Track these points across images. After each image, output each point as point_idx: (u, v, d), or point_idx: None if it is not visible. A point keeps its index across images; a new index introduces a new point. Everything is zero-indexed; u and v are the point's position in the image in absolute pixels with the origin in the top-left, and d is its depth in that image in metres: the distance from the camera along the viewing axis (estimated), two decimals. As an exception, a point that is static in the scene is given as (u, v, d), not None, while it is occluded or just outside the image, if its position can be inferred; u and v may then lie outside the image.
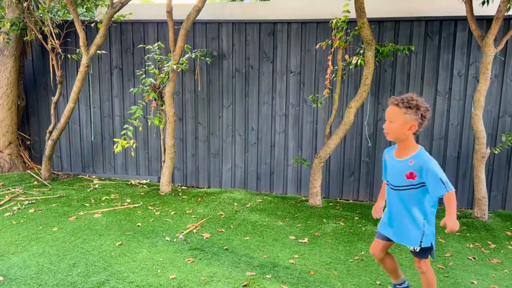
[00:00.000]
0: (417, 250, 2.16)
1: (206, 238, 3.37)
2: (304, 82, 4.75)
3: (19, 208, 3.90)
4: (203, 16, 4.60)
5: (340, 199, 4.82)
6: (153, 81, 4.54)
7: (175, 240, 3.30)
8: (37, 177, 4.98)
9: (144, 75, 4.71)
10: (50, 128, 4.96)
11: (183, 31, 4.23)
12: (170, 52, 4.49)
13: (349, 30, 4.28)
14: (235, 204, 4.35)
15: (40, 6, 4.96)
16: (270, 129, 4.90)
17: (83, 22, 4.90)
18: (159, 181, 5.02)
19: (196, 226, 3.60)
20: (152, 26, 5.03)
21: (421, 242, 2.13)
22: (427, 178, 2.06)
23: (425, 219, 2.14)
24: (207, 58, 4.80)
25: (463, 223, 3.93)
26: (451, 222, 2.00)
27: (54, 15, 4.89)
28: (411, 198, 2.14)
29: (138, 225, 3.59)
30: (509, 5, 3.67)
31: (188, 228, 3.56)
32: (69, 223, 3.58)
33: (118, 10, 4.49)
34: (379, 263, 2.43)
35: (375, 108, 4.65)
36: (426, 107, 2.09)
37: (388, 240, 2.31)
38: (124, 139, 4.09)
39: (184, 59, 4.57)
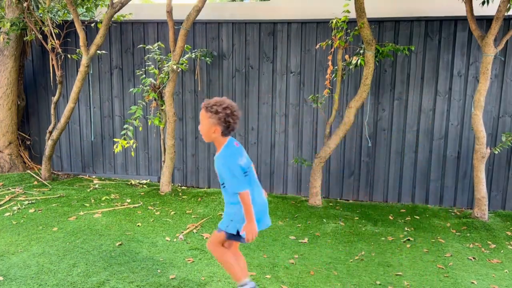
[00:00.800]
0: (221, 231, 2.28)
1: (206, 238, 3.37)
2: (304, 82, 4.75)
3: (19, 208, 3.90)
4: (203, 16, 4.60)
5: (340, 199, 4.82)
6: (153, 81, 4.54)
7: (175, 240, 3.30)
8: (37, 177, 4.98)
9: (144, 75, 4.71)
10: (50, 128, 4.96)
11: (183, 31, 4.23)
12: (170, 52, 4.49)
13: (349, 30, 4.28)
14: (235, 204, 4.34)
15: (40, 6, 4.96)
16: (270, 129, 4.90)
17: (83, 22, 4.90)
18: (159, 181, 5.02)
19: (196, 226, 3.61)
20: (152, 26, 5.03)
21: (227, 227, 2.26)
22: (222, 176, 2.21)
23: (234, 212, 2.24)
24: (207, 58, 4.80)
25: (463, 223, 3.93)
26: (247, 229, 2.15)
27: (54, 15, 4.89)
28: (226, 194, 2.29)
29: (138, 225, 3.59)
30: (509, 5, 3.67)
31: (188, 228, 3.56)
32: (69, 223, 3.58)
33: (118, 10, 4.49)
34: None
35: (375, 108, 4.65)
36: (226, 113, 2.16)
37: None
38: (124, 139, 4.09)
39: (184, 59, 4.57)
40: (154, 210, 4.02)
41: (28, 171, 5.23)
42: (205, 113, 2.19)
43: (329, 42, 4.22)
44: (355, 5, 3.78)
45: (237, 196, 2.18)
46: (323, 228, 3.71)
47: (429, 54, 4.46)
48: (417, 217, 4.13)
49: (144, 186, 4.94)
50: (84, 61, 4.62)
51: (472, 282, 2.75)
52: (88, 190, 4.62)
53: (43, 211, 3.87)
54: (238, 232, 2.23)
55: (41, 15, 4.84)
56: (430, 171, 4.62)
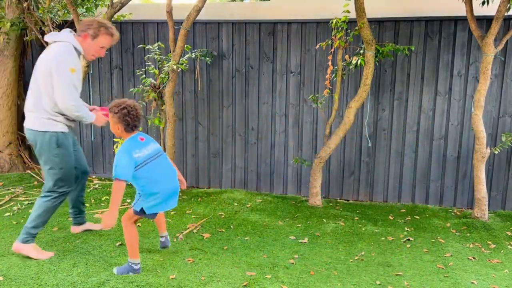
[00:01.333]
0: (133, 208, 2.67)
1: (206, 238, 3.37)
2: (304, 82, 4.75)
3: (19, 208, 3.90)
4: (203, 16, 4.60)
5: (340, 199, 4.82)
6: (153, 81, 4.55)
7: (175, 240, 3.30)
8: (37, 177, 4.98)
9: (144, 75, 4.72)
10: (50, 128, 4.95)
11: (183, 31, 4.23)
12: (170, 52, 4.49)
13: (349, 30, 4.28)
14: (235, 204, 4.35)
15: (40, 6, 4.96)
16: (270, 129, 4.90)
17: (83, 22, 4.90)
18: (159, 181, 5.02)
19: (196, 226, 3.60)
20: (152, 26, 5.03)
21: (134, 204, 2.67)
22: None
23: (140, 193, 2.66)
24: (207, 58, 4.80)
25: (463, 223, 3.93)
26: (106, 217, 2.48)
27: (54, 15, 4.89)
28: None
29: (138, 225, 3.59)
30: (509, 5, 3.67)
31: (188, 228, 3.56)
32: (69, 223, 3.58)
33: (118, 10, 4.49)
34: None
35: (375, 108, 4.65)
36: (123, 113, 2.55)
37: None
38: (124, 139, 4.09)
39: (184, 59, 4.58)
40: (154, 210, 4.01)
41: (28, 171, 5.23)
42: (109, 114, 2.62)
43: (329, 42, 4.22)
44: (355, 5, 3.78)
45: (140, 180, 2.60)
46: (323, 228, 3.71)
47: (429, 54, 4.46)
48: (417, 217, 4.13)
49: (144, 186, 4.93)
50: (84, 61, 4.62)
51: (472, 282, 2.75)
52: (88, 190, 4.61)
53: (43, 211, 3.87)
54: (142, 210, 2.62)
55: (41, 15, 4.84)
56: (430, 171, 4.62)
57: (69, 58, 2.77)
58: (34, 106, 2.83)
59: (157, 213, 2.75)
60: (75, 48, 2.83)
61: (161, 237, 3.04)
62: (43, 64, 2.82)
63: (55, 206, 2.94)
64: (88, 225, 3.39)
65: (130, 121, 2.59)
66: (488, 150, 3.97)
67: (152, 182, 2.62)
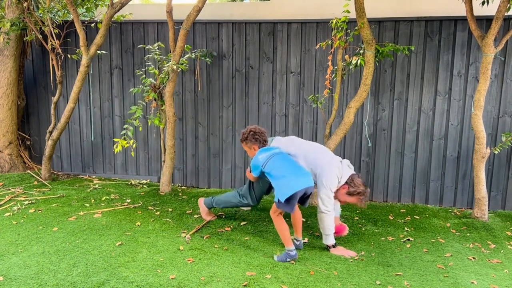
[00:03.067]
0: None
1: (206, 238, 3.37)
2: (304, 82, 4.76)
3: (19, 208, 3.90)
4: (203, 16, 4.61)
5: (340, 199, 4.82)
6: (153, 81, 4.54)
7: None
8: (37, 177, 4.98)
9: (144, 75, 4.72)
10: (50, 128, 4.96)
11: (183, 31, 4.23)
12: (170, 52, 4.49)
13: (349, 30, 4.28)
14: (235, 204, 4.35)
15: (40, 6, 4.96)
16: (270, 129, 4.90)
17: (83, 22, 4.91)
18: (159, 181, 5.03)
19: (203, 226, 3.60)
20: (152, 26, 5.03)
21: (275, 197, 2.99)
22: None
23: (274, 186, 3.05)
24: (207, 58, 4.80)
25: (463, 223, 3.93)
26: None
27: (54, 15, 4.90)
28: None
29: (138, 225, 3.59)
30: (509, 5, 3.67)
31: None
32: (69, 223, 3.58)
33: (118, 10, 4.49)
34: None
35: (375, 108, 4.65)
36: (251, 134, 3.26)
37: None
38: (124, 139, 4.09)
39: (184, 59, 4.58)
40: (154, 210, 4.02)
41: (28, 171, 5.23)
42: (242, 143, 3.33)
43: (329, 42, 4.22)
44: (355, 5, 3.78)
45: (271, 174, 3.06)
46: (323, 228, 3.71)
47: (429, 54, 4.46)
48: (417, 217, 4.13)
49: (144, 186, 4.94)
50: (84, 61, 4.62)
51: (472, 282, 2.75)
52: (88, 190, 4.62)
53: (43, 211, 3.87)
54: (279, 200, 2.94)
55: (41, 15, 4.85)
56: (430, 171, 4.63)
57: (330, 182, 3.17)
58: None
59: (294, 203, 2.93)
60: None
61: (296, 240, 3.23)
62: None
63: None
64: None
65: (259, 138, 3.26)
66: (488, 150, 3.97)
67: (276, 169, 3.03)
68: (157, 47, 4.61)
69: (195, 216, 3.91)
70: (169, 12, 4.29)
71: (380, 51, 3.97)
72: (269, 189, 3.55)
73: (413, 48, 4.05)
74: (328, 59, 4.32)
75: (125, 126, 4.13)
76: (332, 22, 4.01)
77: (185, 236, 3.36)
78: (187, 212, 4.02)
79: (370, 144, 4.69)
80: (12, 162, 5.19)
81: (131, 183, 5.04)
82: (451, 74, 4.46)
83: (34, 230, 3.40)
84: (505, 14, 3.72)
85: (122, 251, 3.03)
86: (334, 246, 3.21)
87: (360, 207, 3.47)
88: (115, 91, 5.23)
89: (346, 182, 3.18)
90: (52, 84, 5.32)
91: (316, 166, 3.19)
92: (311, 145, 3.39)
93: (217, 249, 3.15)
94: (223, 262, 2.92)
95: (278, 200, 2.92)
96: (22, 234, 3.32)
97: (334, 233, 3.24)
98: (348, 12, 3.87)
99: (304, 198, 3.00)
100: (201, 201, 3.85)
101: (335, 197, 3.24)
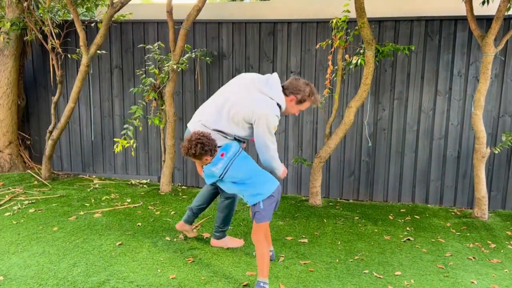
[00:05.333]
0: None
1: (206, 238, 3.37)
2: (304, 82, 4.75)
3: (19, 208, 3.91)
4: (203, 16, 4.60)
5: (340, 198, 4.82)
6: (153, 81, 4.54)
7: (175, 240, 3.30)
8: (37, 176, 4.99)
9: (144, 75, 4.72)
10: (50, 127, 4.96)
11: (183, 31, 4.23)
12: (170, 52, 4.49)
13: (349, 30, 4.28)
14: (235, 204, 4.35)
15: (40, 6, 4.96)
16: (270, 129, 4.90)
17: (83, 22, 4.91)
18: (159, 181, 5.02)
19: (196, 226, 3.60)
20: (152, 26, 5.03)
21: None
22: None
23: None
24: (207, 58, 4.80)
25: (463, 223, 3.93)
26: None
27: (54, 15, 4.90)
28: None
29: (138, 225, 3.59)
30: (509, 5, 3.67)
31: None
32: (69, 222, 3.59)
33: (118, 10, 4.49)
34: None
35: (375, 107, 4.65)
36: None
37: None
38: (124, 139, 4.09)
39: (184, 59, 4.57)
40: (154, 210, 4.02)
41: (28, 170, 5.23)
42: (192, 158, 2.67)
43: (329, 42, 4.22)
44: (355, 5, 3.78)
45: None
46: (323, 228, 3.71)
47: (429, 54, 4.46)
48: (417, 216, 4.13)
49: (144, 186, 4.94)
50: (84, 61, 4.62)
51: (472, 282, 2.75)
52: (88, 190, 4.62)
53: (43, 210, 3.87)
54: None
55: (41, 15, 4.85)
56: (430, 171, 4.62)
57: (275, 120, 2.77)
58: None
59: (272, 208, 2.63)
60: (278, 105, 2.82)
61: (270, 251, 2.88)
62: (246, 105, 2.77)
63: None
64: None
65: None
66: (488, 150, 3.97)
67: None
68: (157, 47, 4.61)
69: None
70: (169, 12, 4.29)
71: (380, 50, 3.97)
72: None
73: (413, 48, 4.05)
74: (328, 58, 4.32)
75: (125, 126, 4.13)
76: (332, 22, 4.01)
77: (179, 236, 3.36)
78: (187, 212, 4.02)
79: (370, 144, 4.69)
80: (12, 162, 5.19)
81: (131, 182, 5.04)
82: (451, 74, 4.46)
83: (34, 230, 3.41)
84: (505, 14, 3.72)
85: (122, 251, 3.03)
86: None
87: (317, 106, 3.08)
88: (115, 90, 5.23)
89: (290, 93, 2.84)
90: (52, 83, 5.32)
91: (249, 121, 2.77)
92: (219, 108, 2.83)
93: (217, 249, 3.15)
94: (223, 262, 2.92)
95: (259, 204, 2.53)
96: (22, 234, 3.32)
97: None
98: (348, 11, 3.87)
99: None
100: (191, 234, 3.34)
101: (286, 113, 2.94)
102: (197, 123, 2.86)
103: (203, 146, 2.56)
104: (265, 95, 2.77)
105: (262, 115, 2.71)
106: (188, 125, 2.95)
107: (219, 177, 2.62)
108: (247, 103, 2.75)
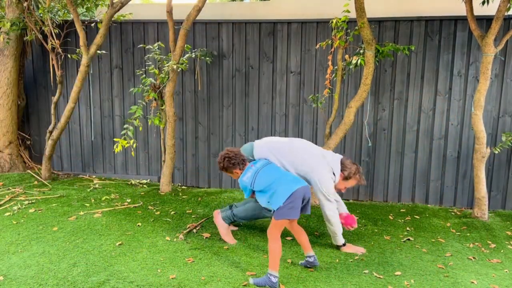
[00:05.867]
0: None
1: (206, 238, 3.37)
2: (304, 82, 4.75)
3: (19, 208, 3.91)
4: (203, 16, 4.60)
5: (340, 199, 4.82)
6: (153, 81, 4.55)
7: (175, 240, 3.30)
8: (37, 177, 4.99)
9: (144, 75, 4.72)
10: (50, 128, 4.96)
11: (183, 31, 4.23)
12: (170, 52, 4.49)
13: (349, 30, 4.28)
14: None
15: (40, 6, 4.96)
16: (270, 129, 4.90)
17: (83, 22, 4.91)
18: (159, 181, 5.02)
19: (196, 226, 3.61)
20: (152, 26, 5.03)
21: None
22: None
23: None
24: (207, 58, 4.80)
25: (463, 223, 3.93)
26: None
27: (54, 15, 4.90)
28: None
29: (138, 225, 3.59)
30: (509, 5, 3.67)
31: (188, 227, 3.56)
32: (69, 223, 3.59)
33: (118, 10, 4.49)
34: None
35: (375, 108, 4.65)
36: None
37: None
38: (124, 139, 4.09)
39: (184, 59, 4.58)
40: (154, 210, 4.02)
41: (28, 171, 5.23)
42: (224, 172, 3.07)
43: (329, 42, 4.22)
44: (355, 5, 3.78)
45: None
46: (322, 228, 3.71)
47: (429, 54, 4.46)
48: (417, 216, 4.13)
49: (144, 186, 4.94)
50: (84, 61, 4.62)
51: (472, 282, 2.75)
52: (88, 190, 4.62)
53: (43, 210, 3.87)
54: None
55: (41, 15, 4.85)
56: (430, 171, 4.63)
57: (329, 182, 3.13)
58: None
59: (296, 206, 2.72)
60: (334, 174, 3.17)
61: (309, 257, 2.92)
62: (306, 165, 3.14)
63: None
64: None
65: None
66: (488, 150, 3.97)
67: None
68: (157, 47, 4.61)
69: (193, 216, 3.91)
70: (169, 12, 4.29)
71: (380, 51, 3.97)
72: None
73: (413, 48, 4.05)
74: (328, 59, 4.32)
75: (125, 126, 4.13)
76: (332, 22, 4.01)
77: (178, 236, 3.36)
78: (187, 212, 4.02)
79: (370, 144, 4.69)
80: (12, 162, 5.19)
81: (131, 183, 5.04)
82: (451, 74, 4.46)
83: (34, 230, 3.41)
84: (505, 14, 3.72)
85: (122, 251, 3.03)
86: (344, 244, 3.21)
87: (360, 185, 3.33)
88: (115, 91, 5.23)
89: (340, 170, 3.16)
90: (52, 84, 5.32)
91: (306, 173, 3.10)
92: (291, 148, 3.18)
93: (217, 249, 3.15)
94: (223, 262, 2.92)
95: (278, 207, 2.64)
96: (22, 234, 3.32)
97: (347, 224, 3.26)
98: (348, 11, 3.87)
99: (304, 204, 2.78)
100: (217, 217, 3.44)
101: (336, 189, 3.21)
102: (264, 146, 3.23)
103: (230, 160, 2.93)
104: (328, 164, 3.15)
105: (321, 177, 3.10)
106: (255, 143, 3.29)
107: (251, 187, 2.85)
108: (312, 163, 3.13)
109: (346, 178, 3.18)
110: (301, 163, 3.12)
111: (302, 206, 2.76)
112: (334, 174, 3.13)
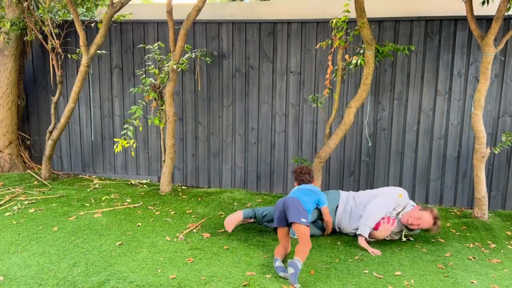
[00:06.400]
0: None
1: (206, 238, 3.37)
2: (304, 82, 4.76)
3: (19, 208, 3.91)
4: (203, 16, 4.60)
5: (340, 199, 4.82)
6: (153, 81, 4.55)
7: (175, 240, 3.30)
8: (37, 177, 4.99)
9: (144, 75, 4.72)
10: (50, 128, 4.96)
11: (183, 31, 4.23)
12: (170, 52, 4.49)
13: (349, 30, 4.28)
14: (235, 204, 4.35)
15: (40, 6, 4.96)
16: (270, 129, 4.90)
17: (83, 22, 4.91)
18: (159, 181, 5.03)
19: (196, 226, 3.61)
20: (152, 26, 5.03)
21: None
22: None
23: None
24: (207, 58, 4.80)
25: (463, 223, 3.93)
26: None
27: (54, 15, 4.90)
28: None
29: (138, 225, 3.59)
30: (509, 5, 3.67)
31: (188, 228, 3.57)
32: (69, 223, 3.59)
33: (118, 10, 4.49)
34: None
35: (375, 108, 4.65)
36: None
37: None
38: (124, 139, 4.09)
39: (184, 59, 4.58)
40: (154, 210, 4.02)
41: (28, 171, 5.23)
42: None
43: (329, 42, 4.22)
44: (355, 5, 3.78)
45: None
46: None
47: (429, 54, 4.46)
48: (417, 217, 4.13)
49: (144, 186, 4.94)
50: (84, 61, 4.62)
51: (472, 282, 2.75)
52: (88, 190, 4.62)
53: (43, 210, 3.87)
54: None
55: (41, 15, 4.85)
56: (430, 171, 4.63)
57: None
58: None
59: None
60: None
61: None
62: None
63: None
64: None
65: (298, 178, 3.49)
66: (488, 150, 3.97)
67: None
68: (157, 47, 4.61)
69: (193, 216, 3.91)
70: (169, 12, 4.29)
71: (380, 51, 3.97)
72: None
73: (413, 48, 4.05)
74: (328, 59, 4.32)
75: (125, 126, 4.13)
76: (332, 22, 4.01)
77: (178, 236, 3.36)
78: (187, 212, 4.02)
79: (370, 144, 4.69)
80: (12, 162, 5.19)
81: (131, 183, 5.05)
82: (451, 74, 4.46)
83: (34, 230, 3.41)
84: (505, 14, 3.72)
85: (122, 251, 3.03)
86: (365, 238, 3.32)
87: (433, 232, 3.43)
88: (115, 91, 5.23)
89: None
90: (52, 84, 5.32)
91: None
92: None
93: (217, 249, 3.15)
94: (223, 262, 2.92)
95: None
96: (22, 234, 3.32)
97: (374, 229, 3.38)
98: (348, 11, 3.86)
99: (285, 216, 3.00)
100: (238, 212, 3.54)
101: (411, 224, 3.31)
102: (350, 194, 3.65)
103: (294, 173, 3.53)
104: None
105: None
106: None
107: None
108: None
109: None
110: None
111: (284, 217, 3.01)
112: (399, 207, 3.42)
